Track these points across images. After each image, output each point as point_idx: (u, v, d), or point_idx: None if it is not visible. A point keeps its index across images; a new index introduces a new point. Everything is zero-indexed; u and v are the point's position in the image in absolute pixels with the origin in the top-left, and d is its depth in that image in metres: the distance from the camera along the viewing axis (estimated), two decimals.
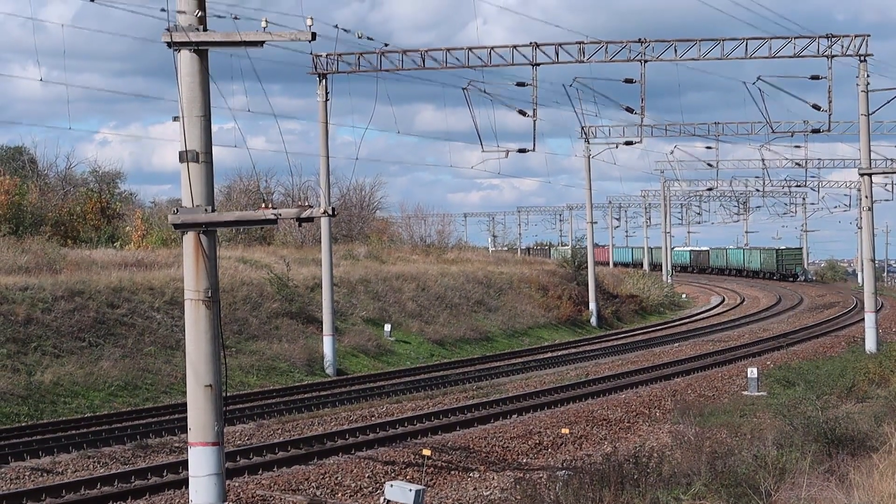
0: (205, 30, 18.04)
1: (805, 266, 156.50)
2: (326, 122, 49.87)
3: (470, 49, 49.47)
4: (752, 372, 42.44)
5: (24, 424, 34.46)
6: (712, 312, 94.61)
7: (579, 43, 49.47)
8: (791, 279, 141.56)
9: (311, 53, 48.69)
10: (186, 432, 18.54)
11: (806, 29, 50.07)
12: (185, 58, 18.01)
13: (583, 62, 49.51)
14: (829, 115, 51.48)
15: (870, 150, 54.02)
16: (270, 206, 18.59)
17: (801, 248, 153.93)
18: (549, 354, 58.76)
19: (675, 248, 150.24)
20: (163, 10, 18.09)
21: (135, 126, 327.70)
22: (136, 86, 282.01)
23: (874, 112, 54.02)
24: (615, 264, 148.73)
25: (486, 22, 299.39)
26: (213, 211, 18.09)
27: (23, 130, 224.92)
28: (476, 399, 40.67)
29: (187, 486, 18.60)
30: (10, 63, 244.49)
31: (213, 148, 18.27)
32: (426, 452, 28.77)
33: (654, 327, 79.55)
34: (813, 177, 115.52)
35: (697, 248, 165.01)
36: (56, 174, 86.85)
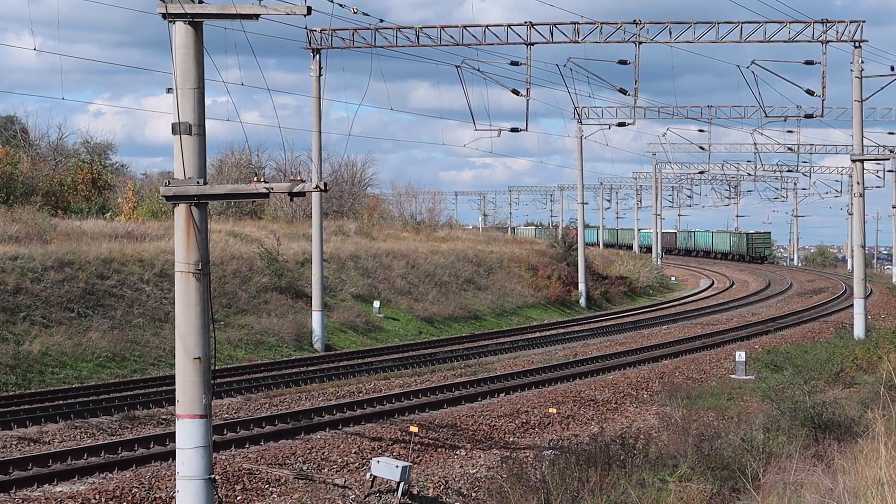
0: (200, 1, 17.96)
1: (794, 252, 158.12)
2: (319, 98, 49.78)
3: (464, 27, 49.38)
4: (740, 355, 42.50)
5: (11, 394, 34.44)
6: (701, 295, 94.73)
7: (574, 23, 49.40)
8: (759, 261, 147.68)
9: (305, 28, 48.63)
10: (174, 404, 18.53)
11: (802, 14, 50.06)
12: (180, 29, 17.93)
13: (577, 42, 49.45)
14: (823, 100, 51.51)
15: (862, 137, 54.02)
16: (262, 180, 18.54)
17: (769, 233, 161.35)
18: (538, 334, 58.78)
19: (641, 230, 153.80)
20: None
21: (129, 98, 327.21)
22: (133, 57, 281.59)
23: (868, 98, 53.99)
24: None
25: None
26: (205, 184, 18.04)
27: (16, 100, 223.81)
28: (464, 377, 40.70)
29: (174, 458, 18.59)
30: (6, 32, 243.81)
31: (206, 121, 18.22)
32: (413, 429, 28.80)
33: (643, 309, 79.63)
34: (805, 162, 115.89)
35: (664, 231, 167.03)
36: (48, 144, 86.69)
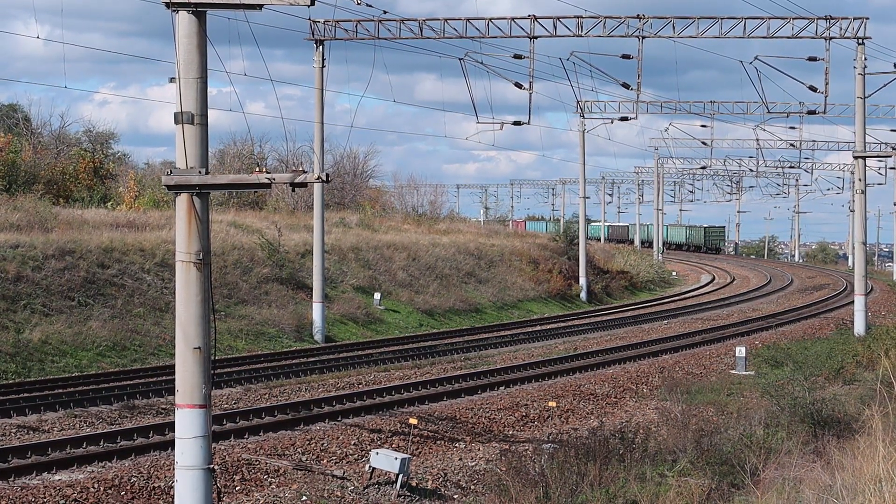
0: None
1: (795, 248, 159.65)
2: (322, 89, 49.76)
3: (468, 20, 49.29)
4: (741, 351, 42.49)
5: (11, 382, 34.47)
6: (702, 291, 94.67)
7: (577, 17, 49.29)
8: (715, 252, 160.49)
9: (308, 19, 48.57)
10: (174, 394, 18.52)
11: (806, 10, 50.02)
12: (183, 19, 17.91)
13: (581, 36, 49.36)
14: (826, 96, 51.42)
15: (865, 133, 53.95)
16: (264, 170, 18.51)
17: (723, 227, 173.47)
18: (538, 328, 58.76)
19: (592, 223, 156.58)
20: None
21: (134, 87, 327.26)
22: (139, 47, 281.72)
23: (870, 95, 53.95)
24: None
25: None
26: (207, 173, 18.02)
27: (20, 88, 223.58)
28: (464, 370, 40.71)
29: (173, 448, 18.59)
30: (14, 20, 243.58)
31: (210, 111, 18.20)
32: (413, 421, 28.81)
33: (643, 304, 79.58)
34: (807, 158, 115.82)
35: (616, 224, 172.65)
36: (50, 133, 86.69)
